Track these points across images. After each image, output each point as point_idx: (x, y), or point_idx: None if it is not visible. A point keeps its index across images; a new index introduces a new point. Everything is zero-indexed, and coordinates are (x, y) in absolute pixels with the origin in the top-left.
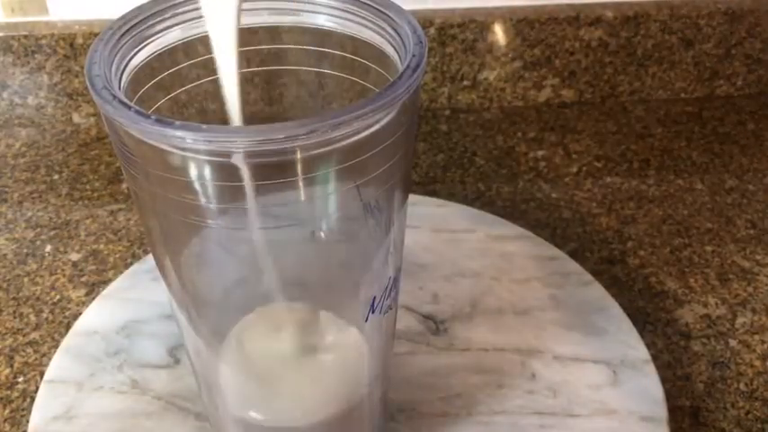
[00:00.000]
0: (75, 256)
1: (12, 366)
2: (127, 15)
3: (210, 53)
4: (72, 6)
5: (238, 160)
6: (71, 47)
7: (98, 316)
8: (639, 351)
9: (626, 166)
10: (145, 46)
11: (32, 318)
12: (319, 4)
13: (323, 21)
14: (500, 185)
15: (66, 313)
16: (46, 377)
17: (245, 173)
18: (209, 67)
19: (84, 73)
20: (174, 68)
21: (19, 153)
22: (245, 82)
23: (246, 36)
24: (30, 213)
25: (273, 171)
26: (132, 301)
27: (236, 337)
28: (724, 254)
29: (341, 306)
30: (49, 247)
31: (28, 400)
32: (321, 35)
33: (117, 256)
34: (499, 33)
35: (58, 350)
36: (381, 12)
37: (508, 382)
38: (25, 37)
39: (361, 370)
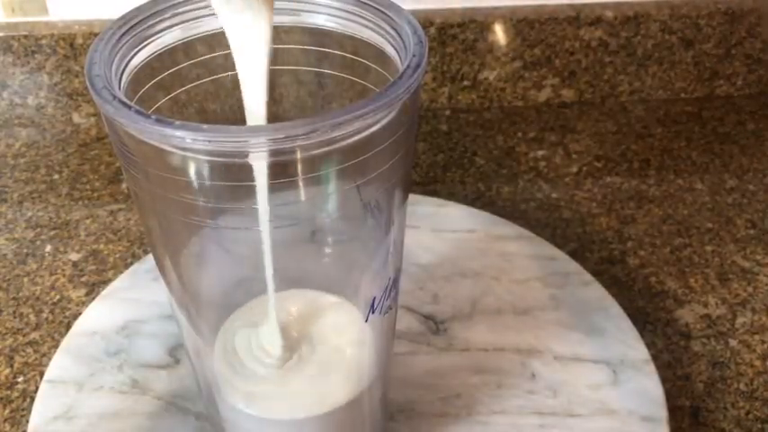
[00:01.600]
0: (75, 256)
1: (12, 366)
2: (127, 15)
3: (210, 53)
4: (72, 6)
5: (255, 159)
6: (71, 47)
7: (98, 316)
8: (639, 351)
9: (626, 166)
10: (145, 46)
11: (32, 318)
12: (319, 4)
13: (323, 21)
14: (500, 185)
15: (67, 313)
16: (46, 377)
17: (261, 172)
18: (209, 67)
19: (84, 73)
20: (174, 68)
21: (19, 153)
22: None
23: None
24: (30, 213)
25: (273, 171)
26: (132, 301)
27: (229, 329)
28: (724, 254)
29: None
30: (49, 247)
31: (28, 400)
32: (321, 35)
33: (117, 256)
34: (499, 33)
35: (58, 350)
36: (381, 12)
37: (508, 382)
38: (25, 37)
39: (362, 359)
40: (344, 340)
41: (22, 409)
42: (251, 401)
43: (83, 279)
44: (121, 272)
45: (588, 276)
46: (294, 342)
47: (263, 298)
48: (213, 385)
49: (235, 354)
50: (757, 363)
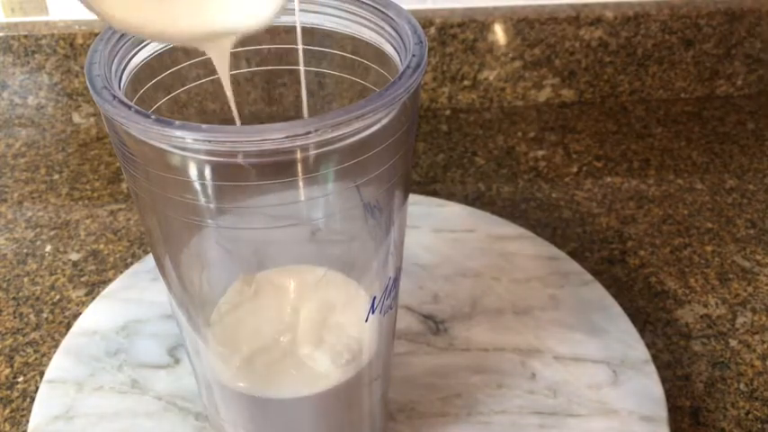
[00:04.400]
0: (75, 256)
1: (12, 366)
2: None
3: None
4: (72, 6)
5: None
6: (71, 47)
7: (98, 316)
8: (639, 351)
9: (626, 166)
10: (145, 46)
11: (32, 318)
12: (319, 4)
13: (323, 21)
14: (500, 185)
15: (67, 313)
16: (46, 377)
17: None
18: (210, 67)
19: (84, 73)
20: (174, 68)
21: (19, 153)
22: (245, 82)
23: (246, 36)
24: (30, 213)
25: (273, 171)
26: (132, 301)
27: (225, 305)
28: (724, 254)
29: None
30: (48, 247)
31: (28, 400)
32: (321, 35)
33: (117, 256)
34: (499, 33)
35: (58, 350)
36: (381, 12)
37: (508, 382)
38: (25, 37)
39: (362, 358)
40: (344, 324)
41: (22, 409)
42: (244, 379)
43: (83, 279)
44: (121, 272)
45: (588, 276)
46: (292, 320)
47: (264, 273)
48: (209, 371)
49: (231, 331)
50: (757, 363)
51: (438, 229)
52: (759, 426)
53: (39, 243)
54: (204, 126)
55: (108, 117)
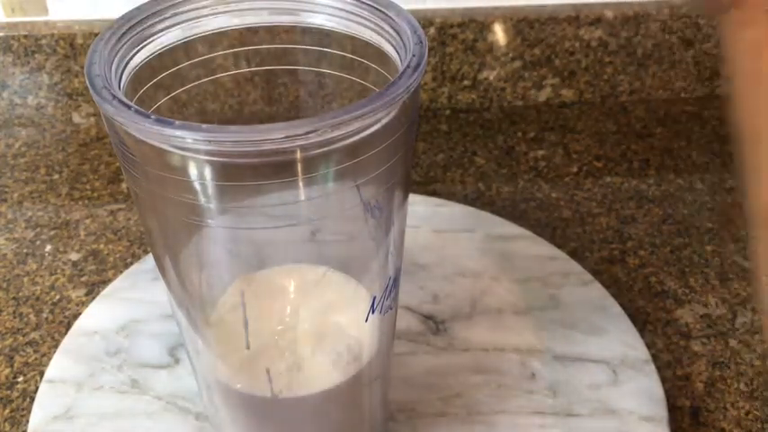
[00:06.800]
0: (75, 256)
1: (12, 366)
2: (127, 15)
3: (210, 53)
4: (72, 6)
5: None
6: (71, 47)
7: (98, 316)
8: (639, 351)
9: (626, 166)
10: (145, 46)
11: (32, 318)
12: (319, 4)
13: (323, 21)
14: (500, 185)
15: (67, 313)
16: (46, 377)
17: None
18: (209, 67)
19: (84, 73)
20: (174, 68)
21: (19, 153)
22: (246, 82)
23: (246, 36)
24: (30, 213)
25: (273, 171)
26: (132, 301)
27: (225, 304)
28: (724, 254)
29: None
30: (49, 247)
31: (28, 400)
32: (321, 35)
33: (117, 256)
34: (499, 33)
35: (58, 350)
36: (381, 12)
37: (508, 382)
38: (25, 37)
39: (361, 359)
40: (344, 324)
41: (22, 409)
42: (244, 379)
43: (83, 279)
44: (121, 272)
45: (588, 276)
46: (292, 320)
47: (264, 272)
48: (209, 371)
49: (231, 331)
50: (757, 363)
51: (438, 229)
52: (759, 426)
53: (39, 243)
54: (204, 126)
55: (108, 117)
